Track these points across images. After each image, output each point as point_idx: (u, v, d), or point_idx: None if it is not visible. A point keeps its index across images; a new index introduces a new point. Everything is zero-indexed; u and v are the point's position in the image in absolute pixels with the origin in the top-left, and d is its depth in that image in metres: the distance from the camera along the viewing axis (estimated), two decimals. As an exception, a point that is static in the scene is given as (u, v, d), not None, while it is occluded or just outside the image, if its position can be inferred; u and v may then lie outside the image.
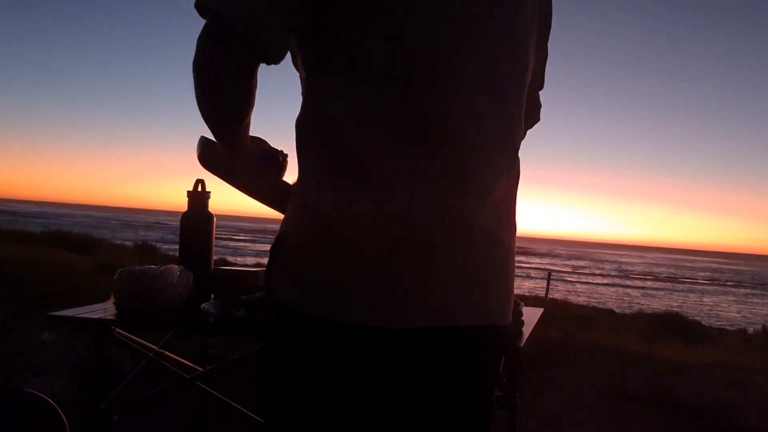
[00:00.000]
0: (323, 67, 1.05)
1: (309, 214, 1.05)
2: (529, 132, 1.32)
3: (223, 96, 1.04)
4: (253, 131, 1.18)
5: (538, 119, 1.32)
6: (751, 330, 11.98)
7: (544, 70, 1.28)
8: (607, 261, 76.19)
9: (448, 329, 1.05)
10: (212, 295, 2.25)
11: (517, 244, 1.19)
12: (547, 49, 1.26)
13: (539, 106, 1.32)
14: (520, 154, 1.19)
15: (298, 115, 1.11)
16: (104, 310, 2.16)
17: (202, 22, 1.00)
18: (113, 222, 73.38)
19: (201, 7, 0.98)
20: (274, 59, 1.01)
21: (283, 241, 1.09)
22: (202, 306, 2.05)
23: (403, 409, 1.08)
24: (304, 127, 1.09)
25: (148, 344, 2.43)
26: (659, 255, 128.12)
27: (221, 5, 0.95)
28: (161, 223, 72.35)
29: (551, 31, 1.25)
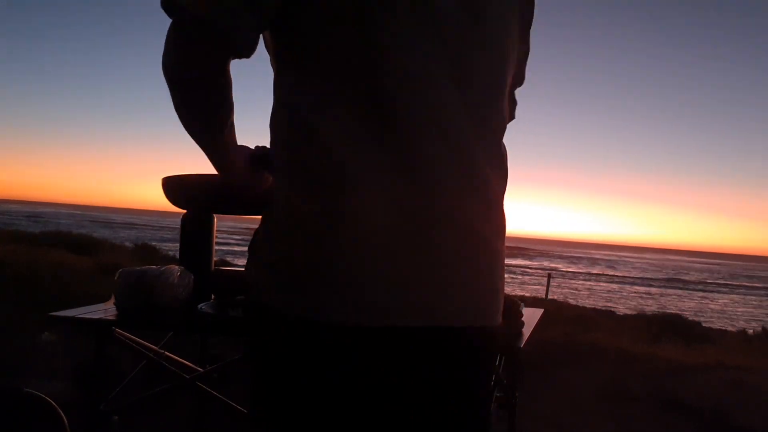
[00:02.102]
0: (292, 62, 1.05)
1: (282, 211, 1.05)
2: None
3: (196, 95, 1.03)
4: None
5: (512, 117, 1.28)
6: (751, 330, 11.98)
7: (525, 67, 1.26)
8: (608, 262, 76.16)
9: (428, 329, 1.02)
10: (212, 296, 2.25)
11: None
12: (528, 44, 1.24)
13: (514, 103, 1.28)
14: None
15: (271, 113, 1.10)
16: (104, 310, 2.16)
17: None
18: (113, 222, 73.37)
19: (167, 4, 0.97)
20: (246, 52, 1.01)
21: (260, 239, 1.09)
22: (199, 306, 2.06)
23: (386, 410, 1.07)
24: (274, 124, 1.09)
25: (149, 344, 2.43)
26: (659, 256, 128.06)
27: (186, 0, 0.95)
28: (161, 224, 72.37)
29: (533, 25, 1.23)
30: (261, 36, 1.04)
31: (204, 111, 1.07)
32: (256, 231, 1.13)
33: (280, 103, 1.09)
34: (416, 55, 1.02)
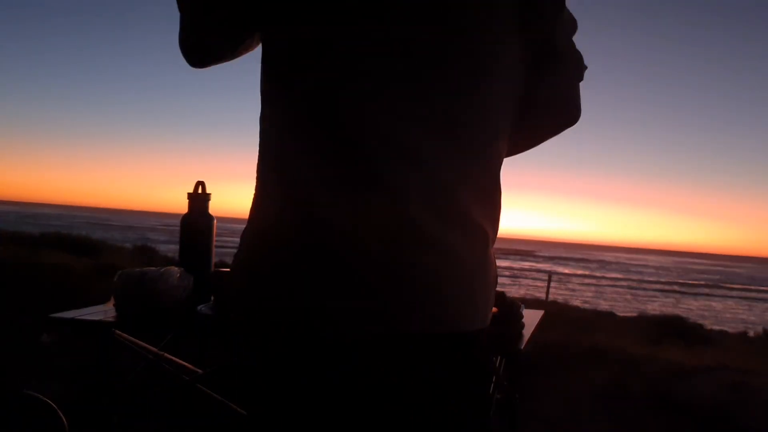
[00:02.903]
0: (264, 73, 1.11)
1: (252, 216, 1.10)
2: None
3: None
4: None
5: (572, 115, 1.20)
6: (751, 332, 11.98)
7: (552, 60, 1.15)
8: (608, 263, 76.16)
9: (389, 336, 1.01)
10: (212, 297, 2.25)
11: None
12: (545, 32, 1.12)
13: (562, 101, 1.19)
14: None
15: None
16: (104, 311, 2.16)
17: None
18: (113, 224, 73.42)
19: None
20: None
21: (241, 241, 1.13)
22: (199, 308, 2.05)
23: (356, 415, 1.07)
24: (260, 133, 1.13)
25: (148, 346, 2.42)
26: (660, 257, 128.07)
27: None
28: (161, 225, 72.37)
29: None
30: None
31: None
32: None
33: (261, 113, 1.13)
34: (375, 71, 1.01)
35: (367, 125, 1.00)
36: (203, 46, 1.13)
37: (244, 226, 1.12)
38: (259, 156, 1.11)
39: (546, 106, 1.20)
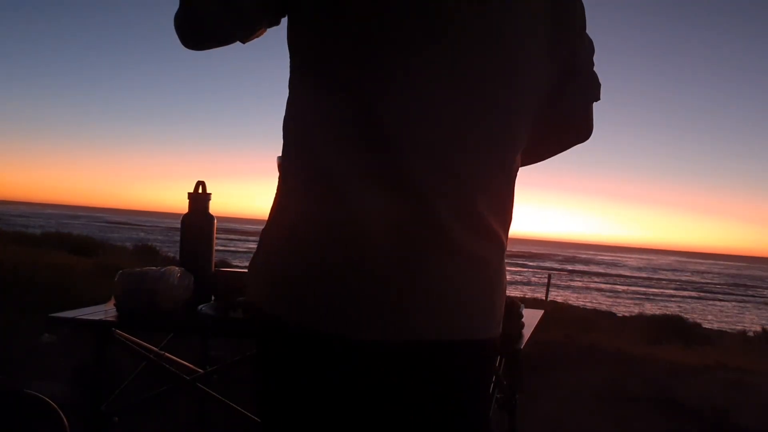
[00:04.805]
0: (299, 69, 1.08)
1: (278, 217, 1.08)
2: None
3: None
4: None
5: (584, 133, 1.24)
6: (751, 332, 11.99)
7: (573, 78, 1.17)
8: (608, 263, 76.16)
9: (408, 343, 1.01)
10: (213, 297, 2.25)
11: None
12: (573, 55, 1.15)
13: (580, 118, 1.22)
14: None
15: (284, 117, 1.13)
16: (105, 311, 2.16)
17: None
18: (114, 223, 73.38)
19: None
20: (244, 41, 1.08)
21: (260, 242, 1.12)
22: (200, 308, 2.06)
23: (369, 421, 1.07)
24: (284, 129, 1.11)
25: (149, 346, 2.43)
26: (660, 257, 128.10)
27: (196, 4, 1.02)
28: (162, 225, 72.39)
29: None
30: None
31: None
32: (260, 234, 1.15)
33: (289, 108, 1.11)
34: (417, 77, 1.01)
35: (404, 129, 1.01)
36: (211, 27, 1.04)
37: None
38: (285, 154, 1.10)
39: (561, 123, 1.23)
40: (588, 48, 1.20)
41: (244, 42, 1.09)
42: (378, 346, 1.01)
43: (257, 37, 1.09)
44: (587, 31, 1.20)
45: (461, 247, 1.02)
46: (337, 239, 1.00)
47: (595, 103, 1.22)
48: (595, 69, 1.22)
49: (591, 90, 1.21)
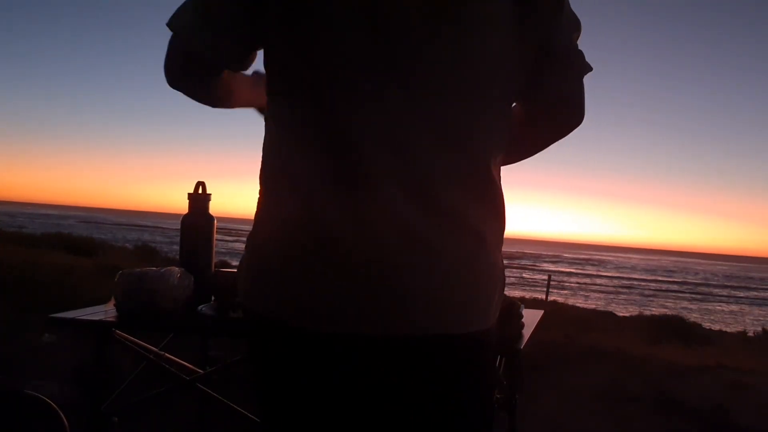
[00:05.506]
0: (269, 77, 1.12)
1: (256, 218, 1.13)
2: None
3: (199, 96, 1.20)
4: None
5: (574, 116, 1.21)
6: (751, 332, 11.99)
7: (555, 60, 1.14)
8: (607, 263, 76.14)
9: (383, 337, 1.02)
10: (212, 297, 2.25)
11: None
12: (536, 37, 1.10)
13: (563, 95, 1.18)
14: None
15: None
16: (105, 311, 2.16)
17: None
18: (114, 224, 73.40)
19: (169, 25, 1.10)
20: (218, 63, 1.12)
21: (247, 241, 1.16)
22: (199, 308, 2.06)
23: (356, 416, 1.09)
24: (264, 134, 1.16)
25: (149, 346, 2.43)
26: (660, 257, 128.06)
27: (177, 24, 1.08)
28: (162, 225, 72.41)
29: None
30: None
31: (203, 98, 1.21)
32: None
33: (265, 122, 1.16)
34: (361, 65, 1.02)
35: (363, 127, 1.02)
36: (204, 59, 1.09)
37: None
38: (262, 158, 1.13)
39: (547, 108, 1.20)
40: (567, 27, 1.15)
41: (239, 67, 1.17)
42: (352, 340, 1.02)
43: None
44: (573, 8, 1.16)
45: (423, 239, 1.02)
46: (311, 242, 1.03)
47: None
48: (580, 46, 1.18)
49: (574, 68, 1.17)
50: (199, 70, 1.12)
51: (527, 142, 1.25)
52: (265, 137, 1.13)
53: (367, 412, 1.08)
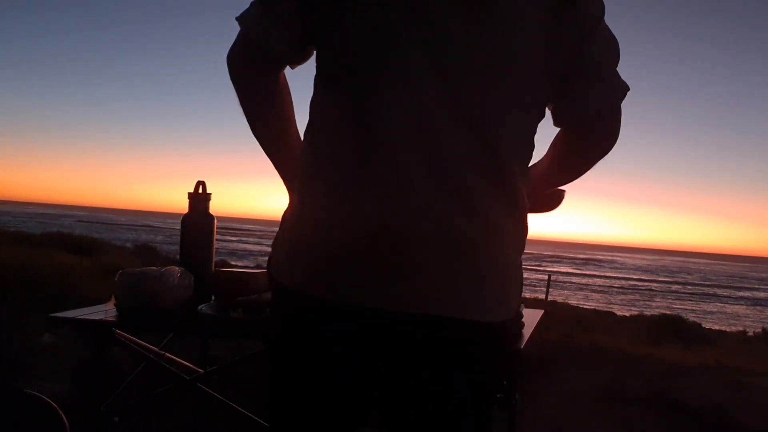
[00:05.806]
0: (317, 73, 1.17)
1: (292, 199, 1.19)
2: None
3: (250, 99, 1.22)
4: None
5: (604, 137, 1.22)
6: (751, 332, 12.00)
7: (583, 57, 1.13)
8: (607, 263, 76.16)
9: (398, 314, 1.05)
10: (213, 297, 2.25)
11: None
12: (567, 51, 1.11)
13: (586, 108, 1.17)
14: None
15: None
16: (105, 311, 2.16)
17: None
18: (114, 224, 73.39)
19: (238, 20, 1.18)
20: (281, 59, 1.19)
21: (281, 221, 1.20)
22: (199, 308, 2.06)
23: (374, 392, 1.14)
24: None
25: (149, 346, 2.43)
26: (660, 257, 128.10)
27: (243, 15, 1.17)
28: (162, 225, 72.40)
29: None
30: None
31: (258, 115, 1.24)
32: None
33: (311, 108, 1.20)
34: (398, 50, 1.06)
35: (394, 123, 1.06)
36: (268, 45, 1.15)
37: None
38: (303, 145, 1.18)
39: (576, 126, 1.21)
40: (604, 49, 1.15)
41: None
42: (365, 314, 1.06)
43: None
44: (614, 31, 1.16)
45: (448, 226, 1.05)
46: (330, 219, 1.08)
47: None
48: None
49: (605, 92, 1.16)
50: (255, 57, 1.17)
51: (564, 166, 1.29)
52: (307, 127, 1.17)
53: (389, 385, 1.12)
